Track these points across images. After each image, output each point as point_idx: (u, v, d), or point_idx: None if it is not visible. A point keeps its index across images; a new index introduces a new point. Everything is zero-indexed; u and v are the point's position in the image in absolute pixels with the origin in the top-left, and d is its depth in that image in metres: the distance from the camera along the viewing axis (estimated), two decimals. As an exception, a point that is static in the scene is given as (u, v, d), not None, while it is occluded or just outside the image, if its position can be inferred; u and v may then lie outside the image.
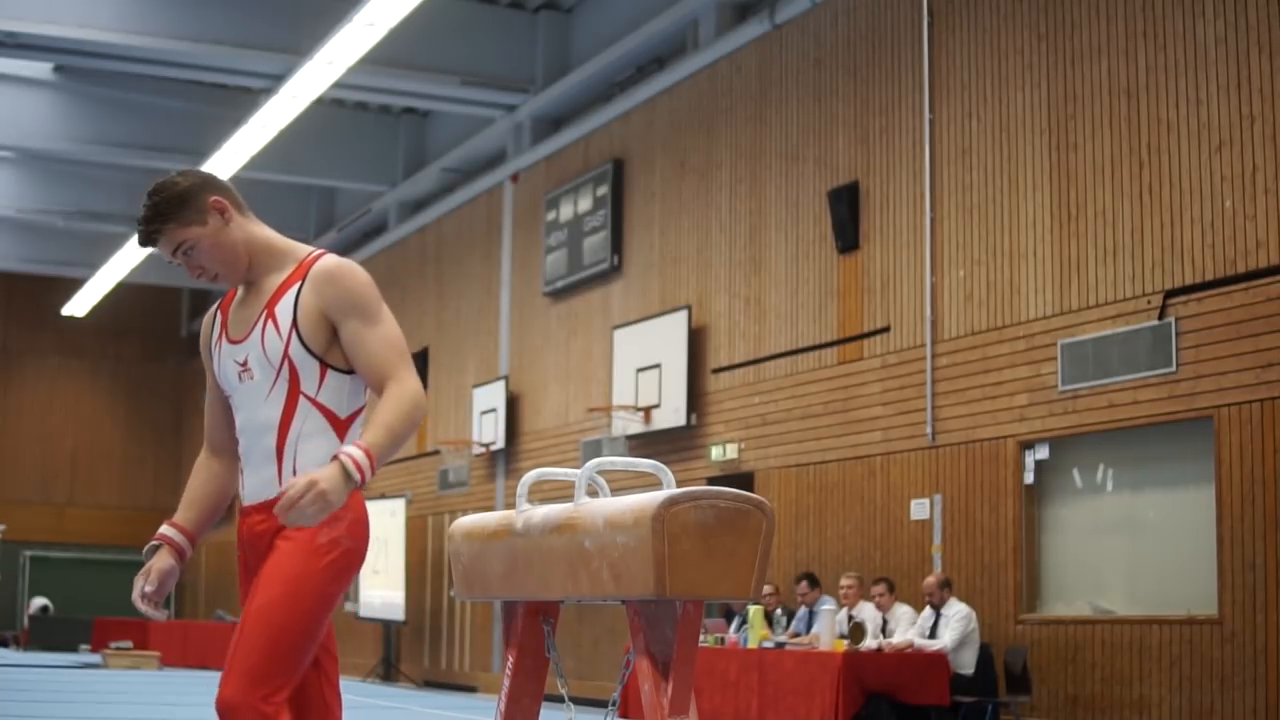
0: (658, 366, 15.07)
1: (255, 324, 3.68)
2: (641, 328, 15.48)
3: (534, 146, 18.48)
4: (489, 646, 18.79)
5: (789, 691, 10.86)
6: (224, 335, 3.76)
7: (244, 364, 3.67)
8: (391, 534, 20.76)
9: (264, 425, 3.63)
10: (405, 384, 3.60)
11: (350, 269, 3.65)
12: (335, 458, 3.49)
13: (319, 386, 3.61)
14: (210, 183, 3.76)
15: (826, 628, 11.33)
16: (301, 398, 3.61)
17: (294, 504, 3.40)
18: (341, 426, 3.64)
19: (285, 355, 3.60)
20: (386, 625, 21.43)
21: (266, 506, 3.63)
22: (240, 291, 3.83)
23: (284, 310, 3.63)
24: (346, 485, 3.47)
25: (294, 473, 3.59)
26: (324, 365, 3.61)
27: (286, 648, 3.51)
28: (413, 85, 18.24)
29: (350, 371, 3.63)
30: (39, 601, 29.55)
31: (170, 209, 3.70)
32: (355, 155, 22.15)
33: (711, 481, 14.01)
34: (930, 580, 11.19)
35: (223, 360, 3.74)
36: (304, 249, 3.77)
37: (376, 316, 3.61)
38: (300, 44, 16.30)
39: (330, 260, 3.68)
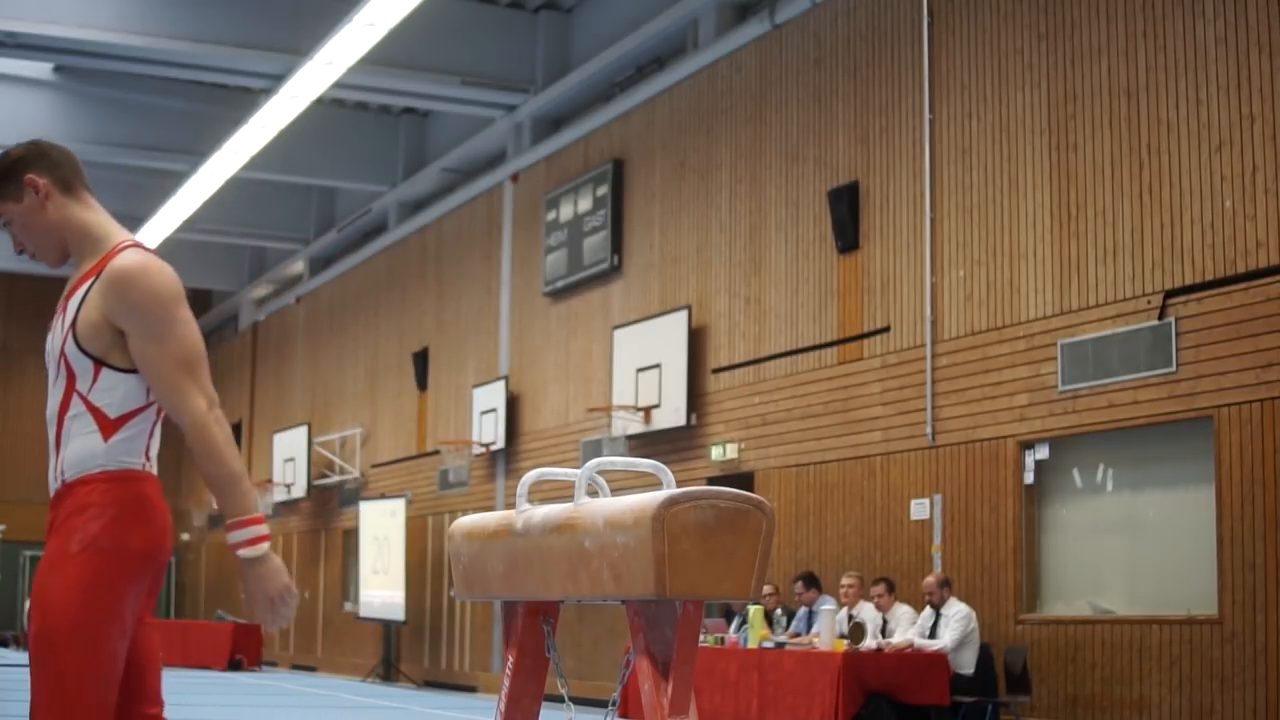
0: (658, 366, 15.07)
1: (57, 315, 3.49)
2: (641, 328, 15.48)
3: (534, 146, 18.47)
4: (489, 646, 18.79)
5: (789, 691, 10.86)
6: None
7: (47, 354, 3.50)
8: (391, 534, 20.76)
9: (50, 417, 3.45)
10: (196, 417, 3.36)
11: (141, 275, 3.36)
12: (238, 556, 3.35)
13: (92, 385, 3.38)
14: (38, 157, 3.51)
15: (826, 628, 11.33)
16: (75, 394, 3.39)
17: (272, 623, 3.37)
18: (110, 427, 3.38)
19: (61, 352, 3.40)
20: (386, 625, 21.42)
21: (52, 502, 3.44)
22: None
23: (72, 307, 3.41)
24: (263, 562, 3.34)
25: (63, 469, 3.39)
26: (99, 364, 3.38)
27: (66, 681, 3.23)
28: (413, 85, 18.24)
29: (134, 370, 3.40)
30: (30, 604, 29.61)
31: None
32: (355, 155, 22.15)
33: (711, 481, 14.01)
34: (930, 579, 11.18)
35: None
36: (116, 237, 3.49)
37: (164, 331, 3.36)
38: (300, 44, 16.30)
39: (123, 262, 3.39)
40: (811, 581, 12.34)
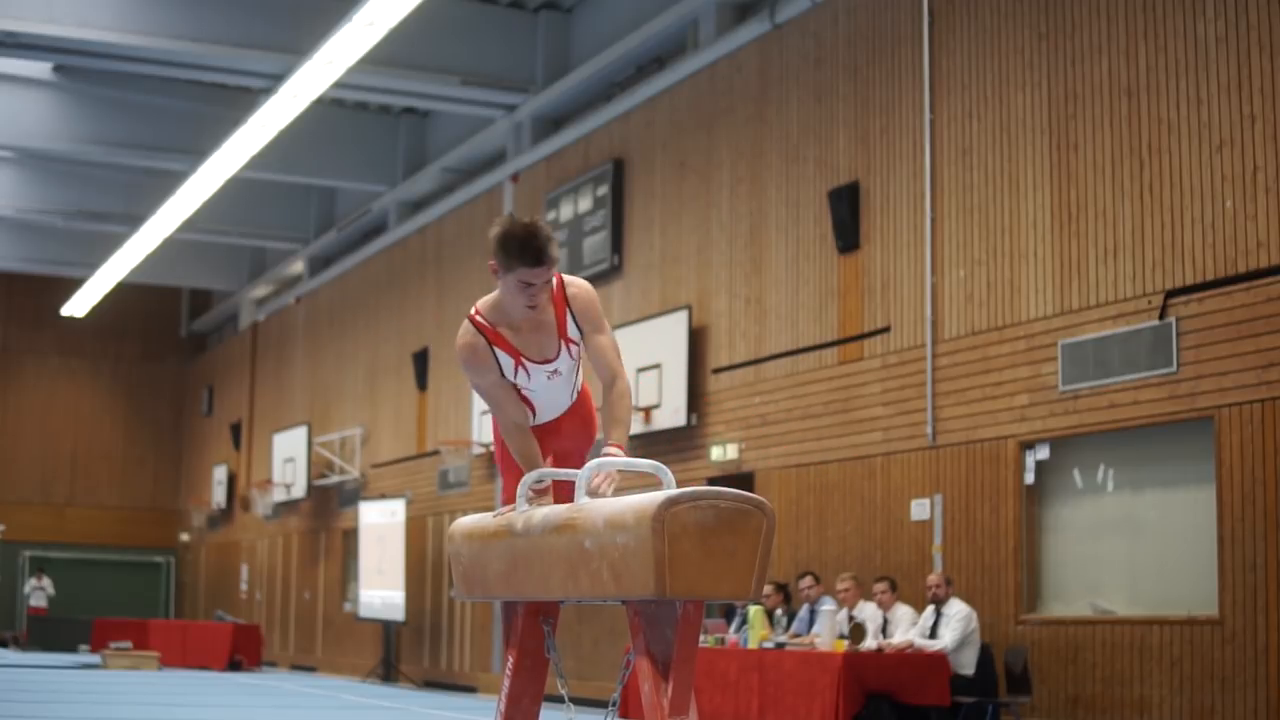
0: (658, 366, 15.06)
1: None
2: (641, 328, 15.47)
3: (534, 146, 18.47)
4: (489, 646, 18.78)
5: (789, 691, 10.85)
6: None
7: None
8: (391, 534, 20.75)
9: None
10: None
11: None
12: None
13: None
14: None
15: (826, 628, 11.32)
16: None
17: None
18: None
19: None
20: (386, 625, 21.42)
21: None
22: None
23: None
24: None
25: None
26: None
27: None
28: (413, 85, 18.22)
29: None
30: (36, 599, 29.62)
31: None
32: (355, 155, 22.14)
33: (711, 481, 14.00)
34: (934, 576, 11.19)
35: None
36: None
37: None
38: (300, 44, 16.29)
39: None
40: (819, 579, 12.34)
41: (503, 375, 5.10)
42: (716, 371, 14.60)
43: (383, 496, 21.74)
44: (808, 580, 12.29)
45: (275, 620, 27.13)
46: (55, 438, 33.09)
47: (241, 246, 28.84)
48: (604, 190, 16.74)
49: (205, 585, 31.57)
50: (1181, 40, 10.15)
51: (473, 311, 5.24)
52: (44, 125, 20.80)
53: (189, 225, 23.79)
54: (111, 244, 25.31)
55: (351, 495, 23.24)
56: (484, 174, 20.10)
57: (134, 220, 23.82)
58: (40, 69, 20.16)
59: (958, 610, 10.99)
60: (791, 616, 12.46)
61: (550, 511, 4.65)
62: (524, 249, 4.87)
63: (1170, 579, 10.32)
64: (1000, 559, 11.31)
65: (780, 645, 11.55)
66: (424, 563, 20.56)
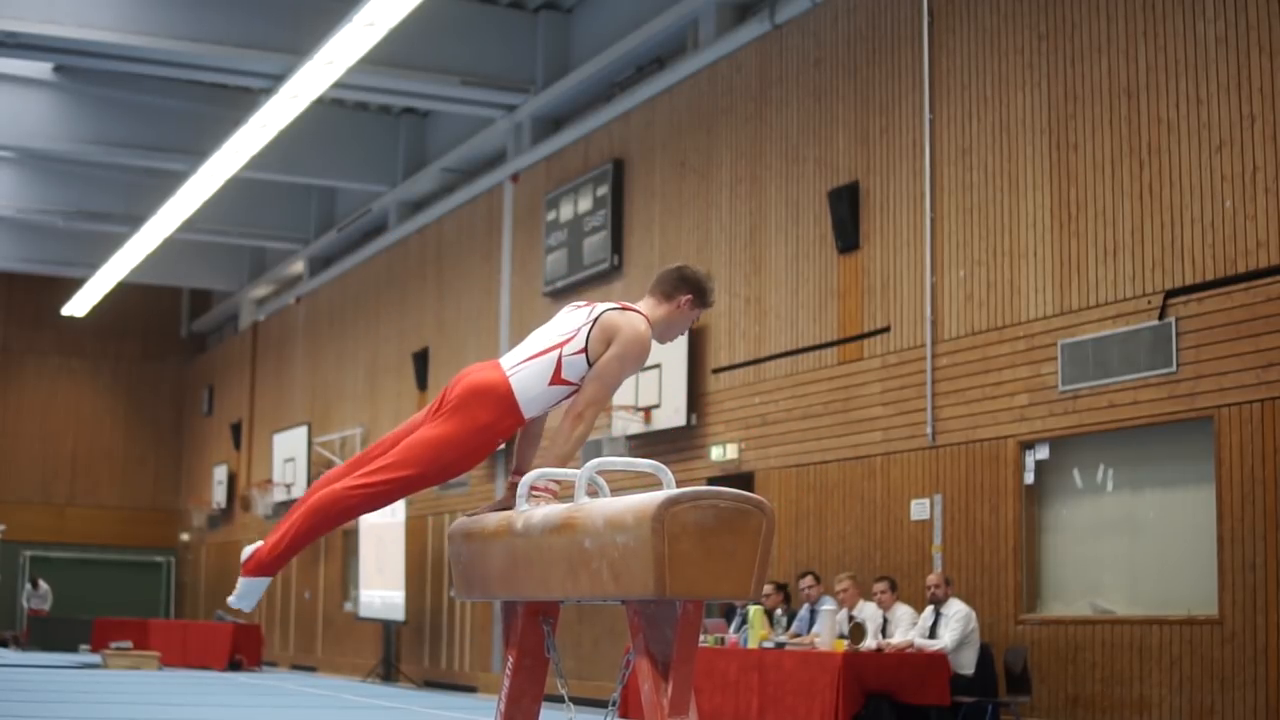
0: (658, 367, 15.06)
1: None
2: (641, 328, 15.44)
3: (534, 146, 18.47)
4: (489, 646, 18.79)
5: (789, 691, 10.86)
6: None
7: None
8: (391, 534, 20.75)
9: None
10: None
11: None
12: None
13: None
14: None
15: (826, 628, 11.32)
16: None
17: None
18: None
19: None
20: (386, 625, 21.42)
21: None
22: None
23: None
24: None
25: None
26: None
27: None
28: (413, 85, 18.23)
29: None
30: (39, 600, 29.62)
31: None
32: (355, 155, 22.14)
33: (711, 481, 14.00)
34: (933, 576, 11.20)
35: None
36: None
37: None
38: (300, 44, 16.29)
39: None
40: (819, 579, 12.35)
41: None
42: (716, 371, 14.60)
43: (383, 496, 21.72)
44: (808, 580, 12.29)
45: (275, 620, 27.13)
46: (55, 438, 33.09)
47: (241, 246, 28.84)
48: (604, 190, 16.74)
49: (205, 585, 31.56)
50: (1181, 40, 10.16)
51: (642, 312, 5.08)
52: (44, 125, 20.80)
53: (189, 225, 23.79)
54: (111, 244, 25.31)
55: (351, 495, 23.20)
56: (484, 174, 20.10)
57: (134, 220, 23.83)
58: (40, 69, 20.16)
59: (957, 610, 10.99)
60: (791, 616, 12.46)
61: (550, 511, 4.65)
62: (712, 295, 5.24)
63: (1170, 579, 10.33)
64: (1000, 559, 11.31)
65: (780, 645, 11.55)
66: (424, 563, 20.56)
